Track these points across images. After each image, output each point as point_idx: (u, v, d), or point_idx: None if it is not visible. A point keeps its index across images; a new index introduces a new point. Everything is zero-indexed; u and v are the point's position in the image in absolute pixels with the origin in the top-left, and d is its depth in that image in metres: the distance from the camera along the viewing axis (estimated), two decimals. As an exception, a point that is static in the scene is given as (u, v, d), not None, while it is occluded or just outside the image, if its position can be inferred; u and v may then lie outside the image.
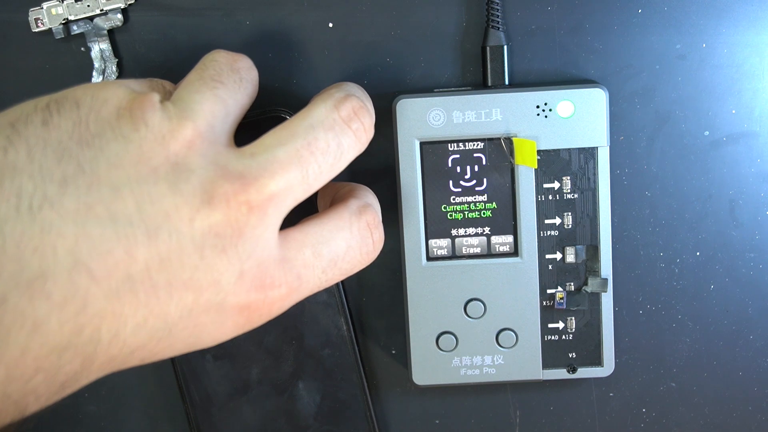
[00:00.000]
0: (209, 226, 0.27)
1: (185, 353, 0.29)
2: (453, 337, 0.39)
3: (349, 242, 0.32)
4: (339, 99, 0.31)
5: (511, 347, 0.39)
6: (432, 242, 0.38)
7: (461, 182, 0.38)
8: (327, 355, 0.40)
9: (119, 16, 0.38)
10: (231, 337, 0.29)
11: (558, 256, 0.38)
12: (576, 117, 0.37)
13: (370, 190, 0.35)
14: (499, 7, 0.37)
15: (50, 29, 0.37)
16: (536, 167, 0.37)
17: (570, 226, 0.38)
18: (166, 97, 0.30)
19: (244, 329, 0.29)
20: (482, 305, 0.38)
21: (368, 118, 0.32)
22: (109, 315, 0.25)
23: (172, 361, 0.39)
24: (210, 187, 0.27)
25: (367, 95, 0.33)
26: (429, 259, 0.38)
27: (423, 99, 0.37)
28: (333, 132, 0.30)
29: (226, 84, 0.30)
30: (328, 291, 0.39)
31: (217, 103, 0.29)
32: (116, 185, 0.26)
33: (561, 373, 0.39)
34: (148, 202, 0.26)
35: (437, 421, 0.42)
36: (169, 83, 0.33)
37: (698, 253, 0.40)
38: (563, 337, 0.39)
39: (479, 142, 0.37)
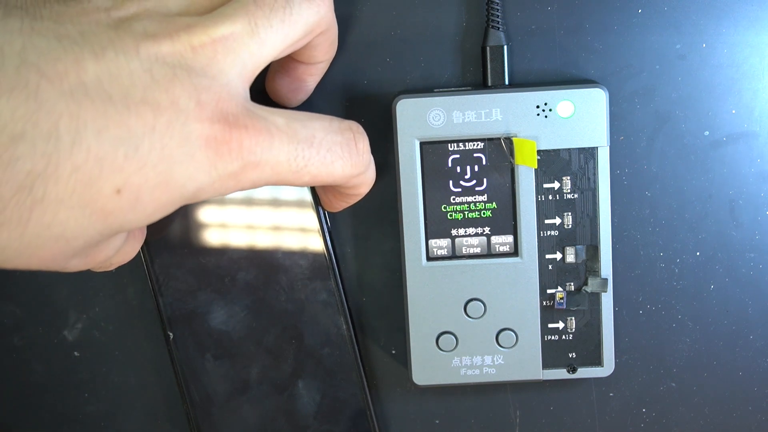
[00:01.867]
0: (155, 54, 0.27)
1: (169, 203, 0.28)
2: (453, 337, 0.39)
3: (327, 130, 0.32)
4: None
5: (511, 347, 0.39)
6: (432, 242, 0.38)
7: (461, 182, 0.38)
8: (327, 354, 0.40)
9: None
10: (208, 179, 0.28)
11: (558, 256, 0.38)
12: (576, 117, 0.37)
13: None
14: (499, 7, 0.37)
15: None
16: (536, 167, 0.37)
17: (570, 226, 0.38)
18: None
19: (217, 167, 0.28)
20: (482, 305, 0.38)
21: None
22: (66, 114, 0.25)
23: (172, 360, 0.40)
24: (152, 29, 0.28)
25: None
26: (429, 259, 0.38)
27: (423, 99, 0.37)
28: None
29: None
30: (327, 290, 0.39)
31: None
32: (58, 21, 0.27)
33: (561, 373, 0.39)
34: (90, 32, 0.27)
35: (437, 421, 0.42)
36: None
37: (698, 253, 0.40)
38: (563, 337, 0.39)
39: (479, 142, 0.37)
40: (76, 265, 0.29)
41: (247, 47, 0.29)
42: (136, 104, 0.27)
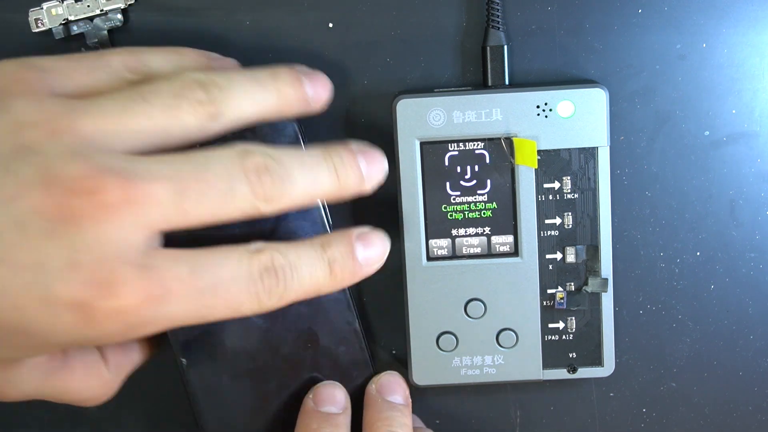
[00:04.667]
0: (33, 208, 0.25)
1: (39, 349, 0.27)
2: (453, 337, 0.39)
3: (235, 274, 0.28)
4: (249, 150, 0.29)
5: (512, 347, 0.39)
6: (432, 242, 0.38)
7: (461, 182, 0.38)
8: (342, 352, 0.39)
9: (119, 16, 0.38)
10: (77, 339, 0.27)
11: (558, 256, 0.38)
12: (576, 117, 0.37)
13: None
14: (499, 7, 0.37)
15: (50, 29, 0.37)
16: (536, 167, 0.37)
17: (570, 226, 0.38)
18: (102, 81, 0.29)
19: (93, 329, 0.26)
20: (482, 305, 0.38)
21: (271, 181, 0.29)
22: None
23: (176, 361, 0.39)
24: (55, 170, 0.26)
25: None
26: (429, 259, 0.38)
27: (423, 99, 0.37)
28: (228, 174, 0.28)
29: (155, 104, 0.28)
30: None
31: (129, 115, 0.27)
32: None
33: (561, 373, 0.39)
34: None
35: (437, 421, 0.42)
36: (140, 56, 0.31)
37: (698, 253, 0.40)
38: (563, 337, 0.39)
39: (479, 142, 0.37)
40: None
41: (162, 212, 0.27)
42: None
